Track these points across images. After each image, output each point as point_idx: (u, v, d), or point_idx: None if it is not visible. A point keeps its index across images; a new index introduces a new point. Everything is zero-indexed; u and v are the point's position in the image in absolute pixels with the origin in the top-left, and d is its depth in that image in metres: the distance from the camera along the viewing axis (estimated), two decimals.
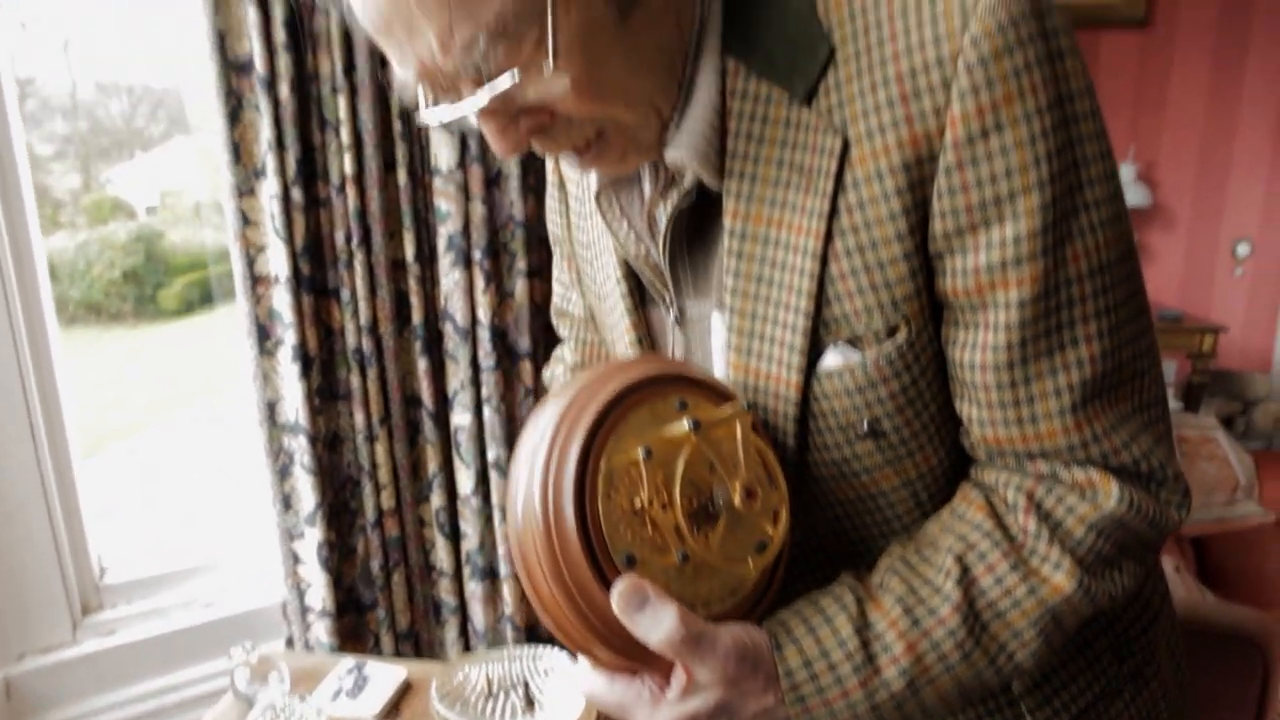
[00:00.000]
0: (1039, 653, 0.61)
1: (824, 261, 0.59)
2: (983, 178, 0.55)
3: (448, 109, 0.57)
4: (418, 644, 1.99)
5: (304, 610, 1.89)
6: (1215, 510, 2.40)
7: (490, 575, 1.96)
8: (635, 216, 0.70)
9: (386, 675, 1.22)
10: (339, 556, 1.89)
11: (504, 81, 0.53)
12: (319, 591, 1.85)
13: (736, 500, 0.59)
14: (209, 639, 1.91)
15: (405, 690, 1.21)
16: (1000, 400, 0.60)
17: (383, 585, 1.91)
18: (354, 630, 1.94)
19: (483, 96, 0.54)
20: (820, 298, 0.60)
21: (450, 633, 1.99)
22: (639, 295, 0.75)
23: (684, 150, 0.62)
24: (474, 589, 1.96)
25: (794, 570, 0.69)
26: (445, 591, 1.98)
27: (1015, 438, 0.61)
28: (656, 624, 0.55)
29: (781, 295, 0.61)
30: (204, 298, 2.18)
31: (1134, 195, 3.18)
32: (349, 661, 1.25)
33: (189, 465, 2.32)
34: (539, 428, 0.59)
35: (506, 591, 1.95)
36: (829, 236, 0.59)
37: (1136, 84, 3.27)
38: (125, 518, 2.07)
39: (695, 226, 0.67)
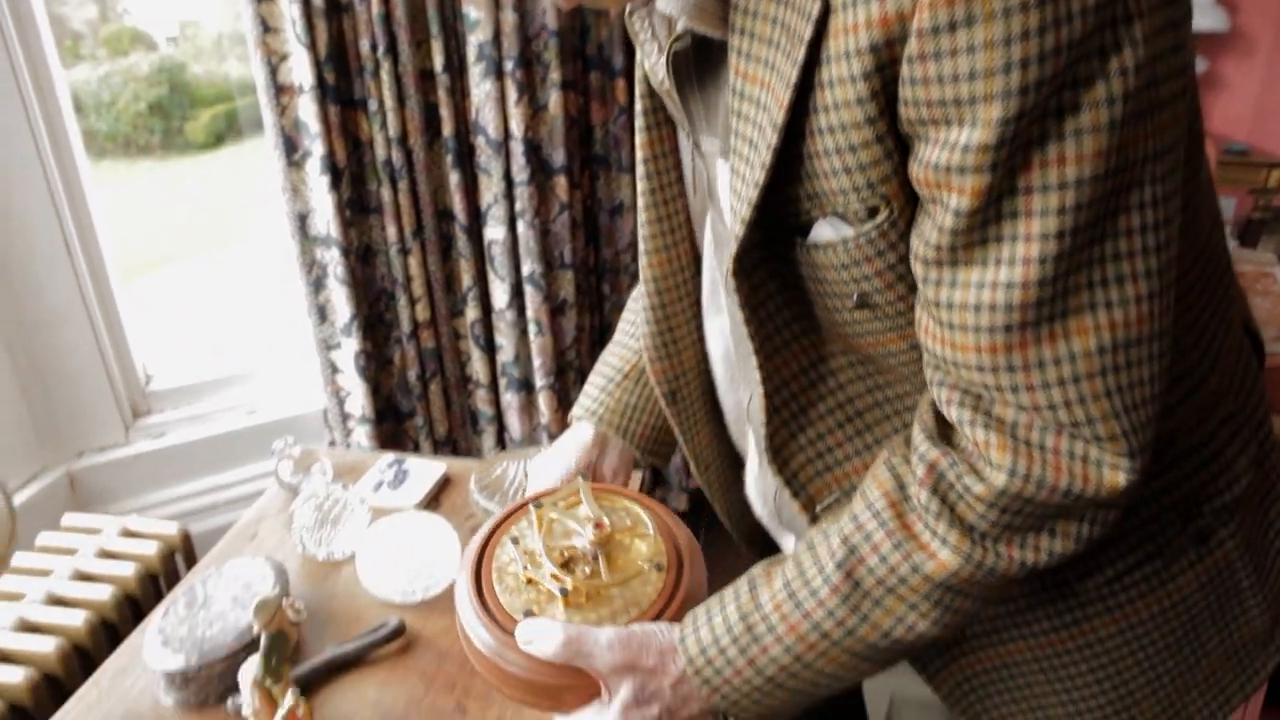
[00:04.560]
0: (948, 620, 0.63)
1: (791, 135, 0.58)
2: (944, 75, 0.50)
3: None
4: (455, 450, 2.09)
5: (344, 417, 1.99)
6: (1268, 345, 2.42)
7: (526, 387, 2.03)
8: (664, 40, 0.71)
9: (426, 469, 1.30)
10: (376, 366, 1.96)
11: None
12: (358, 399, 1.94)
13: (591, 535, 0.76)
14: (254, 443, 2.02)
15: (444, 484, 1.30)
16: (929, 297, 0.58)
17: (420, 394, 2.00)
18: (393, 436, 2.04)
19: None
20: (777, 172, 0.61)
21: (487, 440, 2.09)
22: (660, 117, 0.78)
23: (672, 3, 0.63)
24: (510, 399, 2.04)
25: (835, 432, 0.74)
26: (482, 402, 2.06)
27: (941, 339, 0.59)
28: (547, 641, 0.69)
29: (755, 158, 0.61)
30: (233, 131, 2.20)
31: (1209, 19, 3.02)
32: (389, 457, 1.34)
33: (226, 285, 2.39)
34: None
35: (542, 402, 2.03)
36: (801, 111, 0.57)
37: None
38: (166, 331, 2.15)
39: (711, 65, 0.68)
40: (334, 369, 1.96)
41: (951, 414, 0.60)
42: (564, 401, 2.04)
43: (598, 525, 0.77)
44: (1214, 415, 0.69)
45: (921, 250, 0.57)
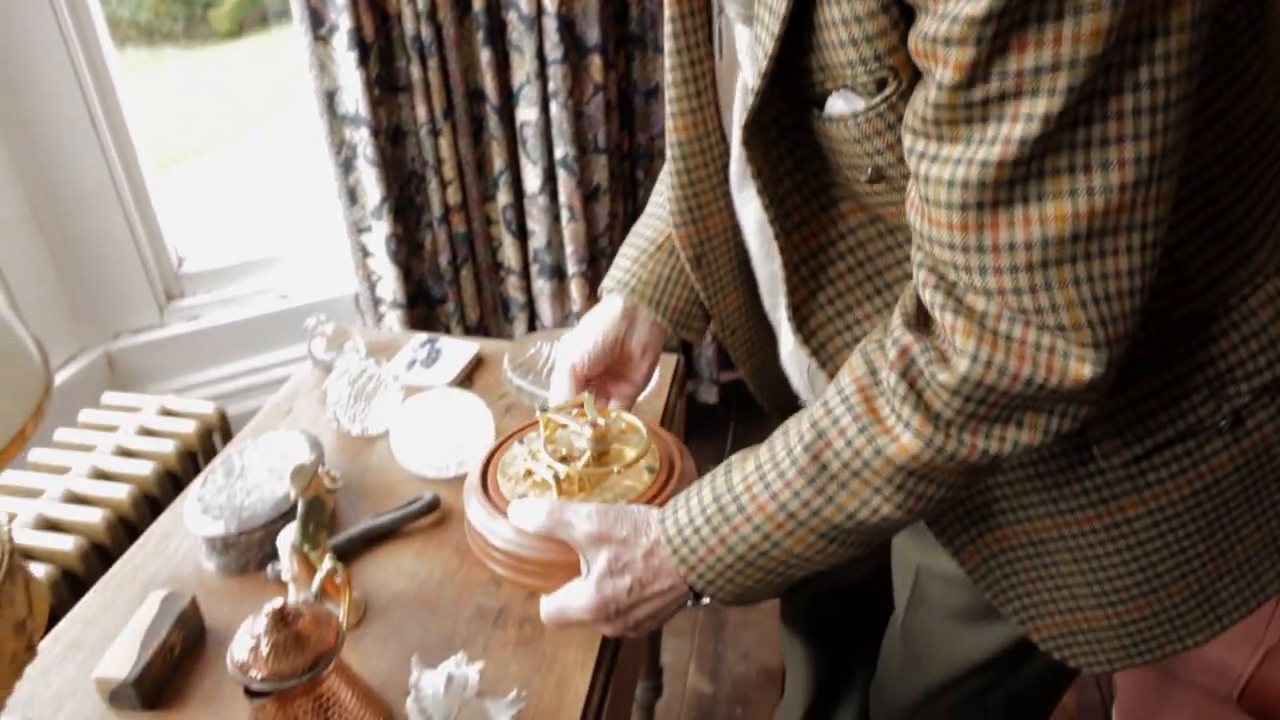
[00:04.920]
0: (911, 505, 0.65)
1: (802, 4, 0.58)
2: None
3: None
4: (487, 336, 2.10)
5: (375, 301, 1.99)
6: None
7: (558, 274, 2.02)
8: None
9: (459, 349, 1.30)
10: (407, 250, 1.95)
11: None
12: (389, 284, 1.94)
13: (588, 435, 0.83)
14: (287, 326, 2.04)
15: (477, 364, 1.29)
16: (912, 169, 0.58)
17: (451, 280, 1.99)
18: (425, 321, 2.04)
19: None
20: (790, 41, 0.60)
21: (518, 328, 2.09)
22: None
23: None
24: (541, 286, 2.03)
25: (856, 292, 0.74)
26: (513, 289, 2.05)
27: (922, 213, 0.58)
28: (533, 514, 0.76)
29: (770, 25, 0.60)
30: (257, 20, 2.15)
31: None
32: (422, 336, 1.33)
33: (256, 171, 2.38)
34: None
35: (574, 289, 2.02)
36: None
37: None
38: (198, 216, 2.15)
39: None
40: (365, 253, 1.95)
41: (926, 296, 0.60)
42: (596, 289, 2.01)
43: (594, 425, 0.83)
44: (1260, 290, 0.67)
45: (910, 120, 0.57)
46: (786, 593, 1.32)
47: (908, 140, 0.57)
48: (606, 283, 0.96)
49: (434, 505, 1.00)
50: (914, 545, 0.93)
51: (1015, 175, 0.52)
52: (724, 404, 2.33)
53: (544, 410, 0.87)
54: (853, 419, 0.64)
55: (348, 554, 0.95)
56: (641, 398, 1.00)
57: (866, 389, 0.64)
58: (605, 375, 0.96)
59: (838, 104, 0.62)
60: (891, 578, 1.02)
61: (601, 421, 0.85)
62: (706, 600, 0.76)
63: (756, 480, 0.69)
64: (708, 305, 0.91)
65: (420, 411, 1.07)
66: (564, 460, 0.83)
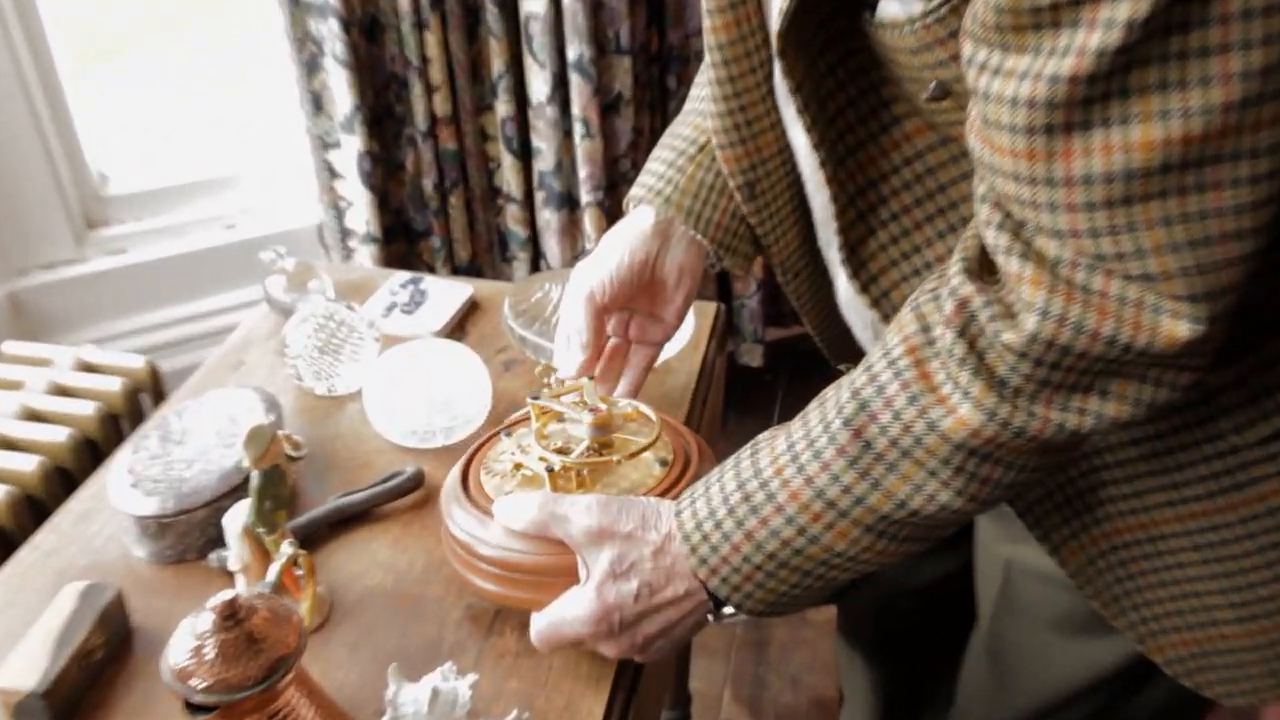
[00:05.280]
0: (974, 491, 0.65)
1: None
2: None
3: None
4: (480, 278, 2.09)
5: (344, 234, 1.99)
6: None
7: (568, 203, 2.01)
8: None
9: (449, 291, 1.28)
10: (383, 171, 1.95)
11: None
12: (361, 212, 1.94)
13: (587, 421, 0.84)
14: (234, 263, 2.03)
15: (470, 309, 1.28)
16: (971, 83, 0.57)
17: (437, 209, 1.99)
18: (404, 260, 2.05)
19: None
20: None
21: (519, 270, 2.09)
22: None
23: None
24: (548, 218, 2.02)
25: (915, 213, 0.76)
26: (513, 220, 2.05)
27: (983, 137, 0.58)
28: (523, 510, 0.77)
29: None
30: None
31: None
32: (403, 276, 1.32)
33: (199, 74, 2.37)
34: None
35: (587, 222, 2.02)
36: None
37: None
38: (126, 126, 2.15)
39: None
40: (332, 174, 1.95)
41: (989, 237, 0.61)
42: (615, 221, 2.01)
43: (594, 410, 0.85)
44: None
45: (969, 25, 0.56)
46: (843, 599, 1.32)
47: (967, 49, 0.57)
48: (635, 191, 0.95)
49: (417, 482, 1.00)
50: (1002, 535, 0.93)
51: (1092, 93, 0.51)
52: (771, 369, 2.32)
53: (535, 399, 0.88)
54: (901, 386, 0.64)
55: (312, 539, 0.94)
56: (672, 352, 0.99)
57: (918, 350, 0.64)
58: (628, 312, 0.96)
59: (892, 6, 0.63)
60: (974, 577, 1.01)
61: (604, 407, 0.85)
62: (730, 610, 0.75)
63: (789, 462, 0.69)
64: (764, 243, 0.91)
65: (400, 367, 1.06)
66: (560, 452, 0.83)
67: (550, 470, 0.81)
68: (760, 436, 0.74)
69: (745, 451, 0.74)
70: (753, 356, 2.32)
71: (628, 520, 0.75)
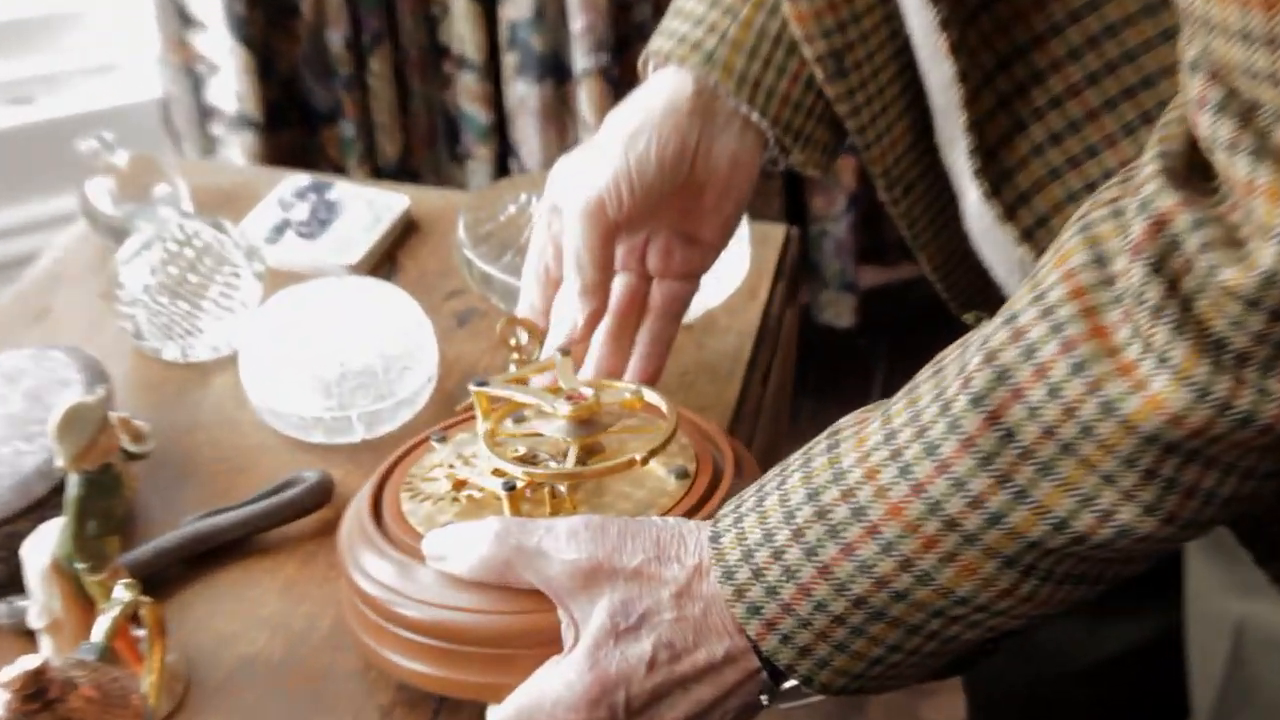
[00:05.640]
0: (1174, 507, 0.64)
1: None
2: None
3: None
4: (417, 183, 2.10)
5: (203, 114, 2.00)
6: None
7: (554, 70, 2.03)
8: None
9: (371, 204, 1.29)
10: (266, 17, 1.96)
11: None
12: (229, 81, 1.95)
13: (564, 415, 0.85)
14: (35, 154, 2.03)
15: (405, 232, 1.29)
16: None
17: (351, 77, 2.00)
18: (300, 155, 2.06)
19: None
20: None
21: (476, 173, 2.11)
22: None
23: None
24: (522, 94, 2.04)
25: (1083, 99, 0.77)
26: (469, 97, 2.07)
27: None
28: (471, 546, 0.78)
29: None
30: None
31: None
32: (299, 180, 1.32)
33: None
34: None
35: (583, 98, 2.03)
36: None
37: None
38: None
39: None
40: (185, 20, 1.96)
41: (1204, 125, 0.60)
42: (623, 95, 2.02)
43: (573, 398, 0.86)
44: None
45: None
46: (973, 678, 1.33)
47: None
48: (659, 43, 0.97)
49: (321, 495, 1.01)
50: (1229, 583, 0.94)
51: None
52: (867, 330, 2.33)
53: (481, 385, 0.90)
54: (1061, 348, 0.64)
55: (160, 581, 0.95)
56: (715, 299, 1.00)
57: (1088, 292, 0.64)
58: (646, 232, 0.97)
59: None
60: (1184, 648, 1.02)
61: (588, 393, 0.86)
62: (793, 683, 0.75)
63: (887, 460, 0.69)
64: (859, 144, 0.92)
65: (296, 319, 1.07)
66: (525, 461, 0.84)
67: (511, 489, 0.81)
68: (842, 422, 0.74)
69: (819, 445, 0.74)
70: (839, 311, 2.33)
71: (635, 549, 0.75)
